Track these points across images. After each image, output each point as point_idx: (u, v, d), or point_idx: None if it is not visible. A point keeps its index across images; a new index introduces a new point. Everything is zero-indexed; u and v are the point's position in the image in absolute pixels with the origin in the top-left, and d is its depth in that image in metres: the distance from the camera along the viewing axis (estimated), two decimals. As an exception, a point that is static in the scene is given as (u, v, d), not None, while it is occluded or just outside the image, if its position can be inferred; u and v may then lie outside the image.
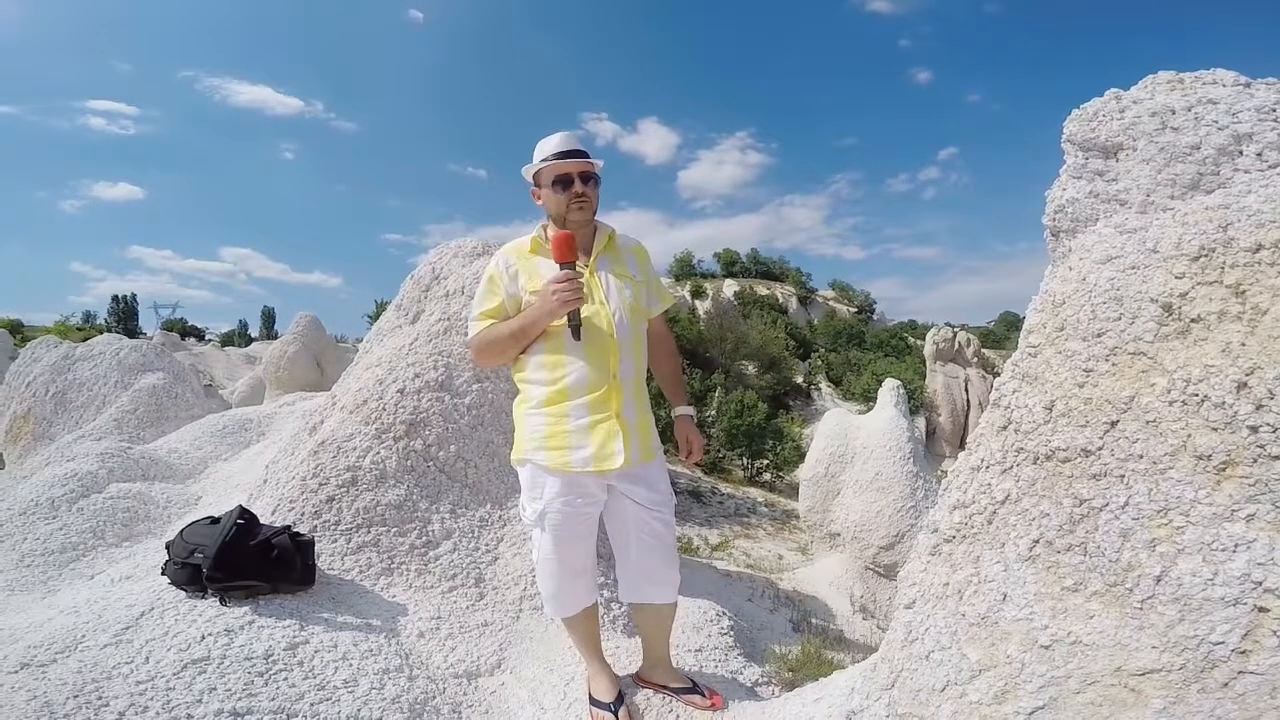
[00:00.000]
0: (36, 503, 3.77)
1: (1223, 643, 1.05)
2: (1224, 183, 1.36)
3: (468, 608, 2.98)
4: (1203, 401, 1.18)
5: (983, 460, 1.58)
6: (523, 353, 1.98)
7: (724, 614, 3.40)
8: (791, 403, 26.89)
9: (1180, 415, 1.20)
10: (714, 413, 16.75)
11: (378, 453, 3.18)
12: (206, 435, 5.66)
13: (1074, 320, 1.43)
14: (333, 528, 2.92)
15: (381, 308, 32.98)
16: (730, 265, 50.93)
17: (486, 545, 3.30)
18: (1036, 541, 1.35)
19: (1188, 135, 1.42)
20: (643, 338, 2.07)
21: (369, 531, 2.98)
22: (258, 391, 15.95)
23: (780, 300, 42.82)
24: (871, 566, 7.24)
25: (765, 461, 17.17)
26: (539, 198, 2.02)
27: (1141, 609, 1.15)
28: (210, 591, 2.40)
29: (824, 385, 31.27)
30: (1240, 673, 1.03)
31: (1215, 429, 1.15)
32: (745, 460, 16.94)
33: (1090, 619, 1.21)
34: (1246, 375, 1.14)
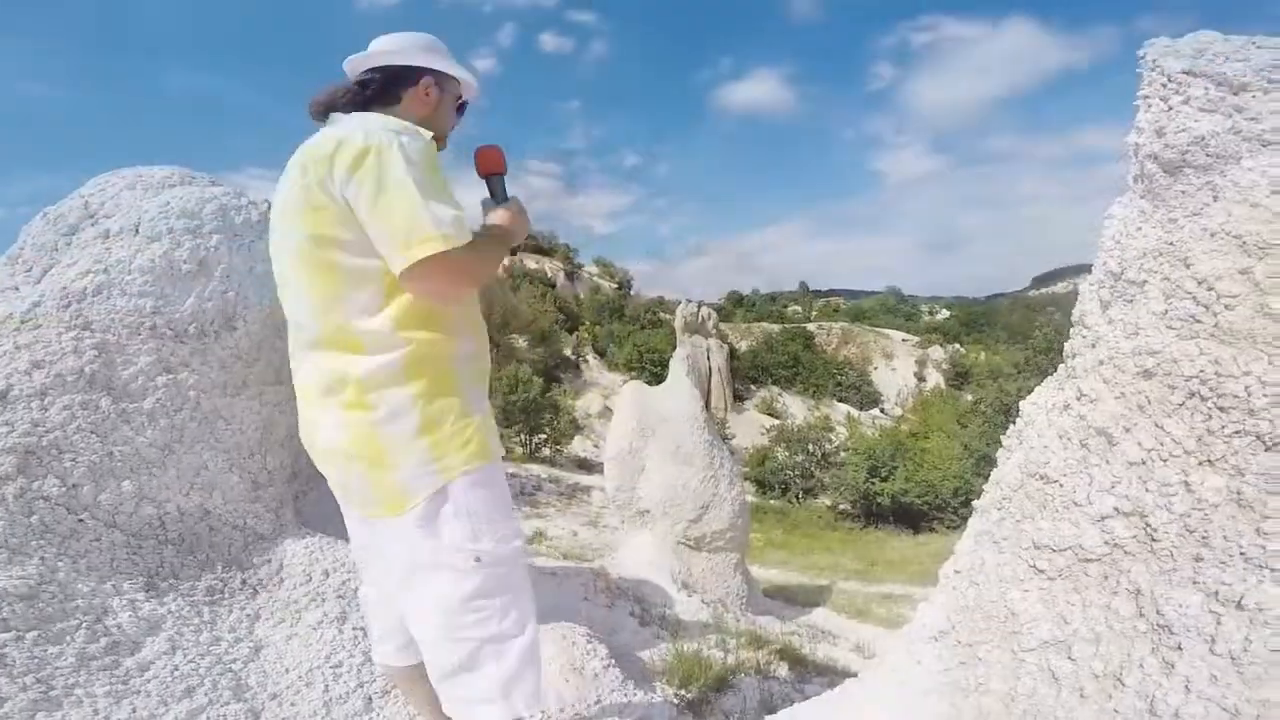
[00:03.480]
0: None
1: None
2: None
3: None
4: None
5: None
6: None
7: (592, 638, 2.75)
8: (562, 375, 26.79)
9: None
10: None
11: None
12: None
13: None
14: None
15: None
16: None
17: (232, 630, 2.06)
18: None
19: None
20: None
21: None
22: None
23: (549, 274, 42.99)
24: (683, 540, 7.02)
25: (544, 436, 16.72)
26: (428, 94, 1.46)
27: None
28: None
29: (591, 357, 31.83)
30: None
31: None
32: (523, 436, 16.34)
33: None
34: None
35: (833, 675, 3.56)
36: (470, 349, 1.32)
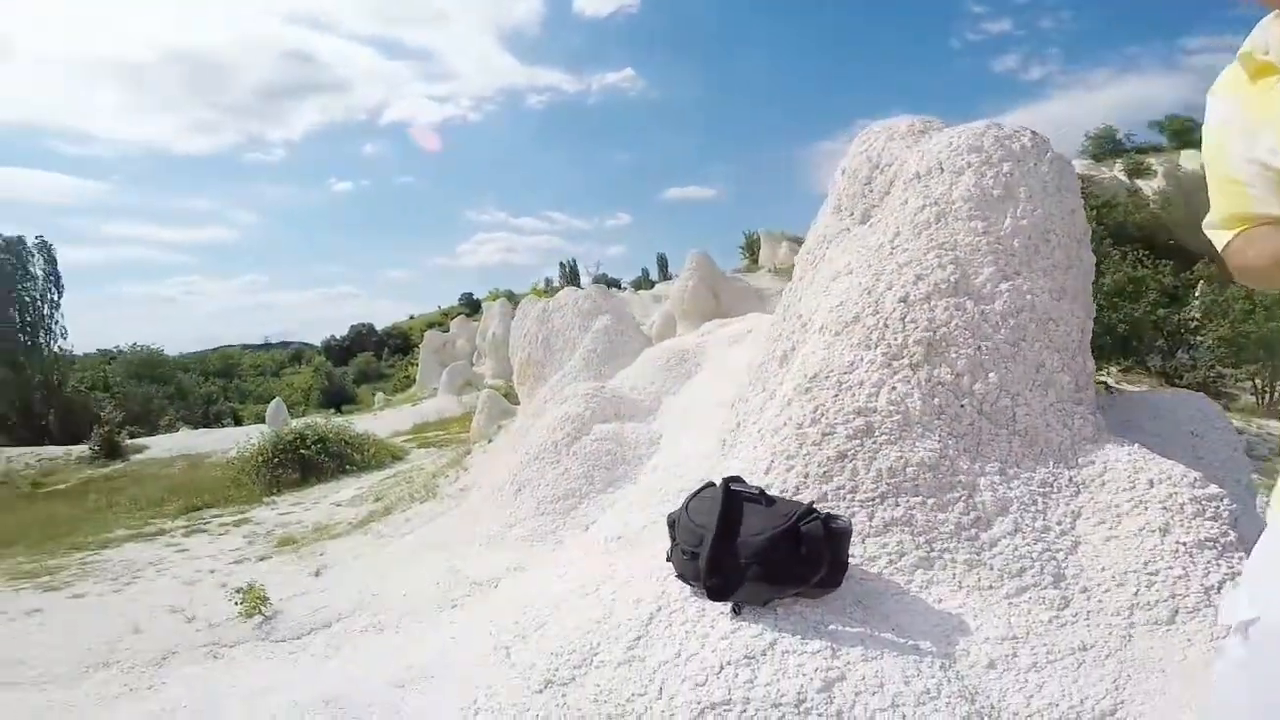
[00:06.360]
0: (544, 447, 4.08)
1: None
2: None
3: (1049, 621, 1.95)
4: None
5: None
6: None
7: None
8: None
9: None
10: (1198, 316, 12.60)
11: (893, 388, 2.26)
12: (655, 369, 5.77)
13: None
14: (849, 497, 2.13)
15: (753, 239, 32.25)
16: (1180, 134, 36.49)
17: (1059, 523, 2.19)
18: None
19: None
20: None
21: (897, 503, 2.11)
22: (669, 325, 17.52)
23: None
24: None
25: (1293, 382, 11.72)
26: None
27: None
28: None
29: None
30: None
31: None
32: (1259, 381, 11.88)
33: None
34: None
35: None
36: None
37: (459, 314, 39.23)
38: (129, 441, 16.46)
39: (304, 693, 2.76)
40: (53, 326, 27.16)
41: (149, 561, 6.69)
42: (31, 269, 26.98)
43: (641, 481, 3.87)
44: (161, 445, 16.37)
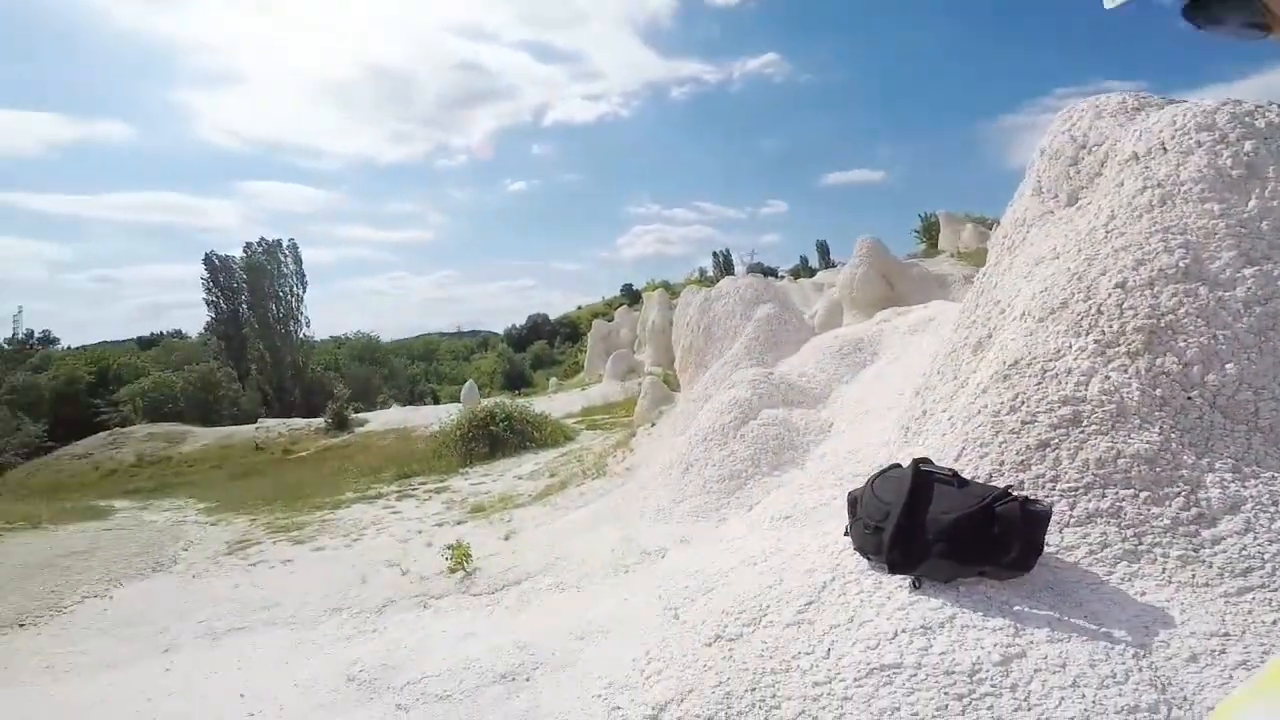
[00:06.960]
0: (712, 429, 4.24)
1: None
2: None
3: (1274, 622, 1.80)
4: None
5: None
6: None
7: None
8: None
9: None
10: None
11: (1106, 377, 2.11)
12: (826, 357, 5.67)
13: None
14: (1048, 485, 2.04)
15: (930, 222, 29.45)
16: None
17: None
18: None
19: None
20: None
21: (1104, 495, 1.98)
22: (834, 313, 16.78)
23: None
24: None
25: None
26: None
27: None
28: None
29: None
30: None
31: None
32: None
33: None
34: None
35: None
36: None
37: (621, 304, 40.78)
38: (354, 416, 19.35)
39: (500, 639, 3.19)
40: (299, 317, 32.71)
41: (371, 521, 7.91)
42: (284, 268, 32.65)
43: (810, 466, 3.89)
44: (378, 419, 19.04)
